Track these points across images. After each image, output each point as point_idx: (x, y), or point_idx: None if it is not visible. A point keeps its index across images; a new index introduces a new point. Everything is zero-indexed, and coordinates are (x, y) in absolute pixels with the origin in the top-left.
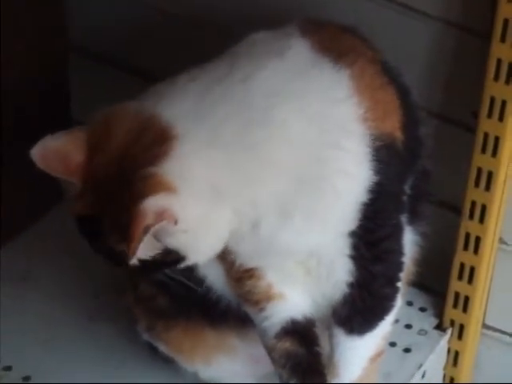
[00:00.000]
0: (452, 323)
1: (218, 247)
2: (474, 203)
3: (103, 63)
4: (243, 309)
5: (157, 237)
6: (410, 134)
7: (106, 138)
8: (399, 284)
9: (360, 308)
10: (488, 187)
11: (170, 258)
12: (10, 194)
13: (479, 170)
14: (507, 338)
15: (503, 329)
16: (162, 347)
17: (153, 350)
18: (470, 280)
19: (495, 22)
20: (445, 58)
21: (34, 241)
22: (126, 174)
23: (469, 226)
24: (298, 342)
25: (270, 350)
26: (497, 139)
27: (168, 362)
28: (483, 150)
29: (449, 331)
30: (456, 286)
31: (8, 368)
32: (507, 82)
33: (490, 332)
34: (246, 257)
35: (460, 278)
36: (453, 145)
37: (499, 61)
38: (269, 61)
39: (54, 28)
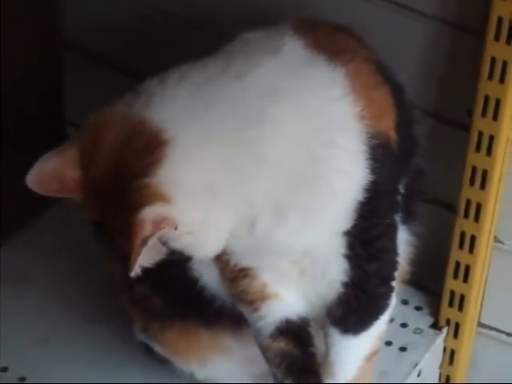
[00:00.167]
0: (448, 322)
1: (221, 244)
2: (469, 202)
3: (99, 64)
4: (238, 309)
5: (161, 242)
6: (405, 133)
7: (96, 149)
8: (394, 283)
9: (355, 307)
10: (483, 186)
11: (177, 257)
12: (8, 194)
13: (474, 169)
14: (503, 336)
15: (499, 327)
16: (157, 348)
17: (148, 351)
18: (466, 279)
19: (489, 21)
20: (439, 57)
21: (30, 241)
22: (121, 184)
23: (464, 224)
24: (292, 341)
25: (264, 350)
26: (491, 138)
27: (163, 362)
28: (478, 149)
29: (444, 330)
30: (451, 284)
31: (4, 369)
32: (501, 80)
33: (485, 330)
34: (241, 256)
35: (455, 276)
36: (447, 143)
37: (493, 59)
38: (263, 58)
39: (50, 28)
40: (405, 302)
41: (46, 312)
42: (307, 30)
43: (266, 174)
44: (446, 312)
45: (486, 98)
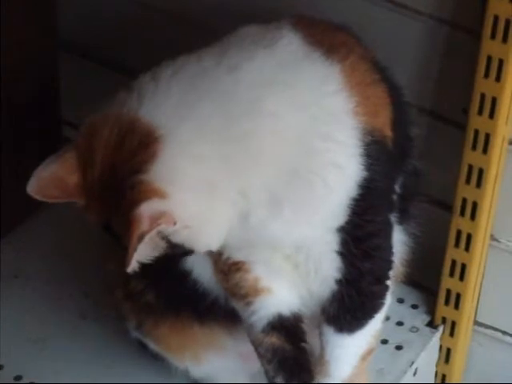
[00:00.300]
0: (444, 320)
1: (222, 236)
2: (465, 200)
3: (95, 63)
4: (231, 304)
5: (160, 236)
6: (400, 132)
7: (92, 151)
8: (388, 282)
9: (348, 306)
10: (479, 184)
11: (178, 250)
12: (5, 193)
13: (470, 167)
14: (499, 334)
15: (495, 326)
16: (151, 345)
17: (143, 348)
18: (462, 277)
19: (485, 19)
20: (436, 55)
21: (25, 239)
22: (118, 183)
23: (460, 223)
24: (284, 337)
25: (256, 345)
26: (487, 136)
27: (158, 359)
28: (474, 147)
29: (440, 328)
30: (447, 283)
31: None
32: (497, 79)
33: (481, 329)
34: (234, 249)
35: (451, 275)
36: (443, 142)
37: (489, 58)
38: (258, 51)
39: (46, 28)
40: (401, 301)
41: (42, 310)
42: (305, 26)
43: (260, 167)
44: (442, 310)
45: (482, 97)
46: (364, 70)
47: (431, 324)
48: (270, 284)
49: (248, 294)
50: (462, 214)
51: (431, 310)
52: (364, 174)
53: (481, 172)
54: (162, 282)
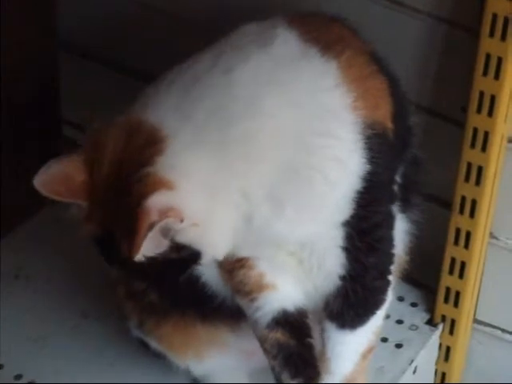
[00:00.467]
0: (443, 318)
1: (229, 241)
2: (464, 198)
3: (95, 63)
4: (235, 301)
5: (164, 234)
6: (401, 123)
7: (99, 153)
8: (390, 277)
9: (352, 302)
10: (478, 182)
11: (185, 254)
12: (6, 192)
13: (469, 165)
14: (498, 332)
15: (494, 323)
16: (153, 343)
17: (143, 347)
18: (461, 275)
19: (484, 17)
20: (434, 53)
21: (26, 238)
22: (125, 180)
23: (459, 220)
24: (289, 332)
25: (261, 341)
26: (486, 134)
27: (159, 358)
28: (472, 145)
29: (440, 326)
30: (447, 281)
31: (0, 366)
32: (496, 77)
33: (481, 327)
34: (239, 247)
35: (451, 272)
36: (442, 140)
37: (488, 56)
38: (253, 51)
39: (46, 28)
40: (400, 299)
41: (42, 310)
42: (301, 23)
43: (260, 166)
44: (442, 308)
45: (481, 95)
46: (361, 63)
47: (431, 322)
48: (274, 280)
49: (252, 291)
50: (462, 211)
51: (431, 308)
52: (366, 167)
53: (480, 170)
54: (167, 284)
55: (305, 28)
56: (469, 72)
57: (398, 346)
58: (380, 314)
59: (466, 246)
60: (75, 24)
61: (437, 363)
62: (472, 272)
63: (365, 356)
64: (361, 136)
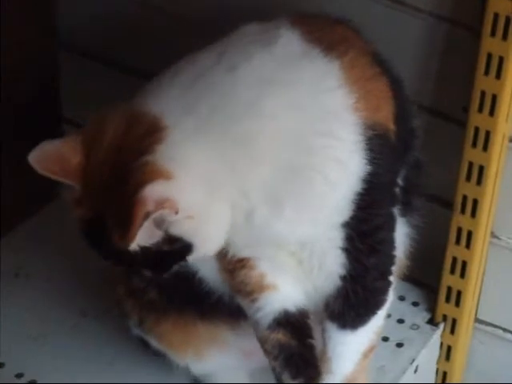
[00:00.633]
0: (444, 318)
1: (222, 237)
2: (465, 197)
3: (94, 61)
4: (236, 301)
5: (157, 224)
6: (403, 125)
7: (98, 138)
8: (391, 278)
9: (353, 302)
10: (479, 181)
11: (177, 246)
12: (6, 191)
13: (470, 165)
14: (500, 332)
15: (496, 323)
16: (153, 341)
17: (143, 345)
18: (463, 274)
19: (485, 17)
20: (436, 53)
21: (25, 237)
22: (122, 168)
23: (460, 220)
24: (290, 333)
25: (262, 342)
26: (487, 133)
27: (159, 356)
28: (474, 145)
29: (441, 326)
30: (448, 280)
31: (1, 365)
32: (497, 76)
33: (482, 326)
34: (239, 247)
35: (452, 272)
36: (444, 139)
37: (489, 55)
38: (257, 50)
39: (46, 26)
40: (402, 298)
41: (42, 308)
42: (304, 23)
43: (260, 165)
44: (443, 308)
45: (483, 94)
46: (364, 64)
47: (432, 321)
48: (275, 280)
49: (253, 291)
50: (463, 211)
51: (432, 308)
52: (367, 168)
53: (481, 169)
54: (165, 281)
55: (308, 28)
56: (470, 71)
57: (399, 345)
58: (381, 313)
59: (468, 245)
60: (75, 23)
61: (438, 362)
62: (473, 271)
63: (366, 355)
64: (362, 137)
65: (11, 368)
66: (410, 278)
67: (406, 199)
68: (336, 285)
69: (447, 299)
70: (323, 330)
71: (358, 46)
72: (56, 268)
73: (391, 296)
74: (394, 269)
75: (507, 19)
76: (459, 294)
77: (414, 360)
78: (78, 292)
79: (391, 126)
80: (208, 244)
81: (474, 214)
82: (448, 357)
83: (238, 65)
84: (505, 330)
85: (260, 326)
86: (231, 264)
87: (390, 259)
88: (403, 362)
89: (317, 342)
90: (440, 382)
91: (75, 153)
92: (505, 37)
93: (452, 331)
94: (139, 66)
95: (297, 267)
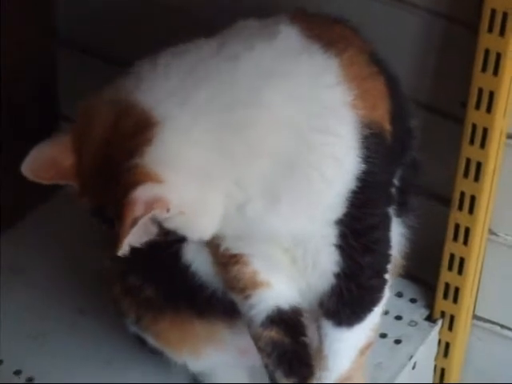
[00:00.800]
0: (442, 314)
1: (215, 225)
2: (463, 194)
3: (93, 58)
4: (230, 298)
5: (152, 222)
6: (400, 125)
7: (87, 134)
8: (387, 276)
9: (347, 300)
10: (477, 178)
11: (171, 238)
12: (5, 188)
13: (468, 161)
14: (498, 328)
15: (494, 319)
16: (150, 339)
17: (141, 343)
18: (460, 271)
19: (482, 13)
20: (433, 49)
21: (23, 234)
22: (112, 167)
23: (458, 216)
24: (283, 330)
25: (256, 339)
26: (485, 130)
27: (156, 354)
28: (471, 141)
29: (439, 322)
30: (446, 276)
31: None
32: (495, 72)
33: (480, 323)
34: (232, 241)
35: (450, 268)
36: (441, 136)
37: (487, 51)
38: (257, 42)
39: (44, 24)
40: (399, 295)
41: (41, 306)
42: (303, 20)
43: (256, 158)
44: (441, 304)
45: (480, 91)
46: (362, 63)
47: (430, 318)
48: (268, 277)
49: (246, 288)
50: (460, 207)
51: (430, 304)
52: (362, 166)
53: (479, 166)
54: (160, 276)
55: (307, 25)
56: (467, 68)
57: (397, 341)
58: (377, 310)
59: (465, 242)
60: (75, 19)
61: (436, 359)
62: (471, 268)
63: (362, 352)
64: (358, 135)
65: (9, 365)
66: (407, 274)
67: (401, 199)
68: (330, 283)
69: (445, 296)
70: (319, 328)
71: (357, 44)
72: (54, 266)
73: (387, 293)
74: (389, 267)
75: (504, 15)
76: (457, 290)
77: (411, 357)
78: (76, 290)
79: (387, 126)
80: (201, 232)
81: (471, 210)
82: (446, 353)
83: (239, 54)
84: (502, 326)
85: (253, 324)
86: (224, 257)
87: (386, 258)
88: (401, 358)
89: (311, 340)
90: (438, 378)
91: (67, 154)
92: (502, 33)
93: (450, 328)
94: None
95: (291, 265)
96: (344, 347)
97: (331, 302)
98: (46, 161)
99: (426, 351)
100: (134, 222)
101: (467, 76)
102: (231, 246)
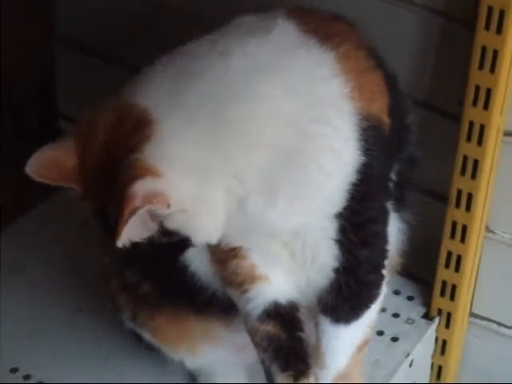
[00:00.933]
0: (439, 312)
1: (219, 226)
2: (460, 191)
3: (91, 57)
4: (227, 293)
5: (152, 218)
6: (397, 119)
7: (90, 137)
8: (384, 271)
9: (346, 295)
10: (474, 175)
11: (175, 239)
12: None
13: (465, 159)
14: (494, 326)
15: (490, 317)
16: (146, 335)
17: (137, 339)
18: (457, 268)
19: (479, 10)
20: (430, 47)
21: (22, 232)
22: (113, 165)
23: (455, 214)
24: (280, 325)
25: (252, 334)
26: (482, 127)
27: (153, 350)
28: (468, 139)
29: (436, 320)
30: (443, 274)
31: None
32: (492, 70)
33: (477, 320)
34: (232, 236)
35: (447, 266)
36: (438, 133)
37: (484, 49)
38: (251, 38)
39: (42, 23)
40: (396, 292)
41: (38, 303)
42: (300, 15)
43: (254, 152)
44: (438, 302)
45: (477, 88)
46: (359, 57)
47: (427, 315)
48: (266, 271)
49: (244, 282)
50: (458, 205)
51: (427, 302)
52: (361, 159)
53: (476, 163)
54: (158, 274)
55: (304, 20)
56: (465, 65)
57: (394, 339)
58: (375, 307)
59: (462, 239)
60: (74, 18)
61: (433, 357)
62: (468, 265)
63: (360, 349)
64: (356, 127)
65: (6, 363)
66: (404, 272)
67: (399, 194)
68: (329, 278)
69: (442, 293)
70: (316, 325)
71: (354, 40)
72: (53, 265)
73: (384, 290)
74: (386, 263)
75: (501, 13)
76: (454, 288)
77: (409, 354)
78: (73, 287)
79: (385, 119)
80: (206, 233)
81: (468, 208)
82: (443, 351)
83: (231, 50)
84: (499, 324)
85: (250, 318)
86: (223, 254)
87: (383, 253)
88: (398, 356)
89: (308, 337)
90: (435, 376)
91: (70, 156)
92: (499, 30)
93: (447, 325)
94: (138, 62)
95: (289, 259)
96: (341, 344)
97: (330, 298)
98: (50, 161)
99: (423, 349)
100: (133, 212)
101: (465, 74)
102: (230, 240)
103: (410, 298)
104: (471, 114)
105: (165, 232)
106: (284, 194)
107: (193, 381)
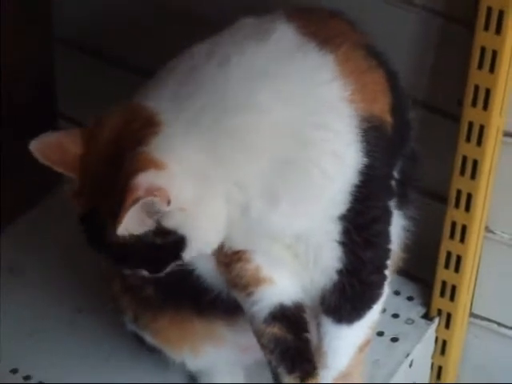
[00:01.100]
0: (439, 312)
1: (219, 229)
2: (459, 192)
3: (91, 57)
4: (232, 296)
5: (148, 212)
6: (400, 117)
7: (97, 131)
8: (387, 272)
9: (349, 296)
10: (473, 176)
11: (170, 240)
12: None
13: (464, 159)
14: (494, 326)
15: (490, 317)
16: (148, 337)
17: (138, 341)
18: (457, 269)
19: (479, 10)
20: (429, 47)
21: (22, 232)
22: (118, 159)
23: (455, 214)
24: (286, 327)
25: (258, 336)
26: (481, 128)
27: (154, 352)
28: (468, 139)
29: (436, 320)
30: (443, 274)
31: None
32: (491, 70)
33: (477, 321)
34: (235, 239)
35: (447, 266)
36: (438, 133)
37: (483, 49)
38: (250, 45)
39: (41, 23)
40: (396, 293)
41: (38, 304)
42: (299, 18)
43: (255, 158)
44: (438, 302)
45: (476, 88)
46: (359, 57)
47: (427, 316)
48: (271, 274)
49: (249, 284)
50: (457, 205)
51: (427, 302)
52: (364, 160)
53: (475, 163)
54: (163, 278)
55: (303, 22)
56: (464, 65)
57: (394, 339)
58: (376, 308)
59: (462, 239)
60: (74, 19)
61: (433, 357)
62: (468, 266)
63: (361, 350)
64: (358, 129)
65: (6, 363)
66: (404, 272)
67: (401, 192)
68: (332, 279)
69: (442, 294)
70: (319, 325)
71: (353, 38)
72: (53, 265)
73: (387, 290)
74: (389, 263)
75: (500, 13)
76: (454, 288)
77: (408, 354)
78: (74, 287)
79: (388, 118)
80: (203, 239)
81: (468, 208)
82: (443, 351)
83: (230, 59)
84: (499, 324)
85: (256, 320)
86: (227, 257)
87: (386, 253)
88: (398, 356)
89: (312, 336)
90: (435, 376)
91: (75, 144)
92: (498, 31)
93: (447, 326)
94: (137, 62)
95: (293, 261)
96: (343, 345)
97: (333, 298)
98: (55, 144)
99: (422, 349)
100: (135, 201)
101: (464, 74)
102: (234, 244)
103: (409, 299)
104: (471, 114)
105: (160, 232)
106: (286, 198)
107: (193, 381)
